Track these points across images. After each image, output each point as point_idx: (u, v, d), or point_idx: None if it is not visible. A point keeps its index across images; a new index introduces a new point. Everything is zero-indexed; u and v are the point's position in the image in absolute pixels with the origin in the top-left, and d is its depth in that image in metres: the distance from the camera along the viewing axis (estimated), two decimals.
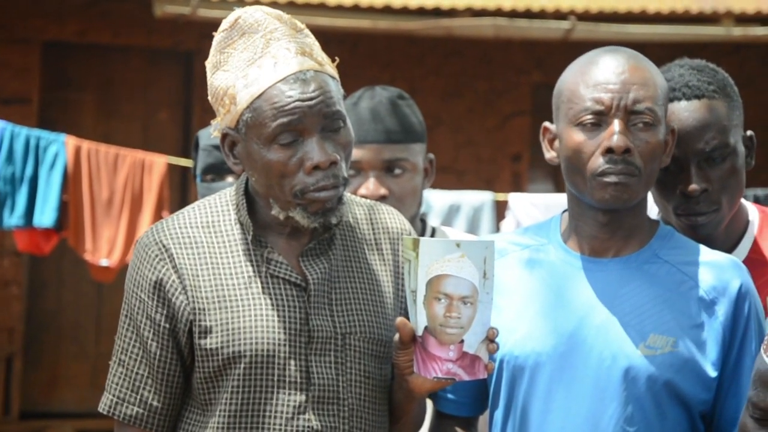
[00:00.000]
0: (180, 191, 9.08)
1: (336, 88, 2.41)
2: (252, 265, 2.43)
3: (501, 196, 6.72)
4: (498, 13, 8.64)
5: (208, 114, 9.88)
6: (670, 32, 8.96)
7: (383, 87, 3.21)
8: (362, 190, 3.07)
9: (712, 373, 2.44)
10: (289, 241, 2.46)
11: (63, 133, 6.82)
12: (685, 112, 2.64)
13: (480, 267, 2.27)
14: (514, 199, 6.53)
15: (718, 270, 2.48)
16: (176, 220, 2.49)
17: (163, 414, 2.46)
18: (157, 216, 6.72)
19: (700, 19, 9.26)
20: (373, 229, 2.54)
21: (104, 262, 6.72)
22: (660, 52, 9.61)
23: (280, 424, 2.40)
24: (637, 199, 2.47)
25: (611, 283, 2.48)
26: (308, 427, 2.40)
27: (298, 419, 2.40)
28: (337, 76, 2.44)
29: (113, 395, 2.47)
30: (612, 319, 2.45)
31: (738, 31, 9.11)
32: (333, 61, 2.46)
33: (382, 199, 3.06)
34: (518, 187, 9.24)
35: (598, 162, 2.43)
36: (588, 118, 2.44)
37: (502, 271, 2.52)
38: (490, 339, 2.29)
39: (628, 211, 2.49)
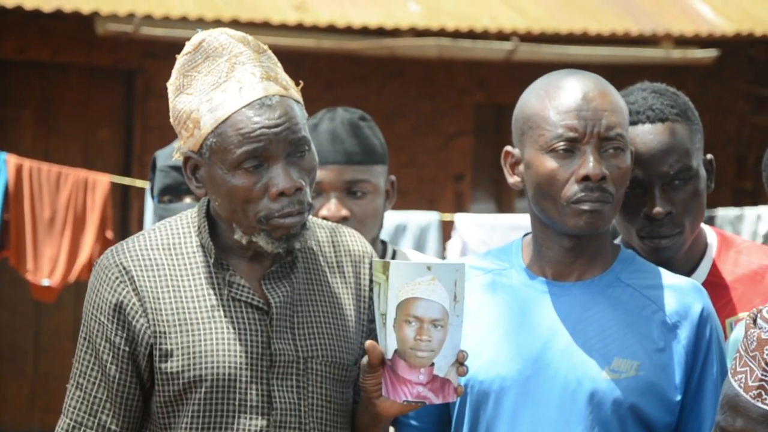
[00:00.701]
0: (121, 210, 9.01)
1: (301, 113, 2.40)
2: (213, 288, 2.42)
3: (447, 217, 6.74)
4: (441, 33, 8.69)
5: (150, 132, 9.90)
6: (611, 54, 9.05)
7: (344, 108, 3.21)
8: (323, 212, 3.06)
9: (676, 396, 2.45)
10: (251, 265, 2.45)
11: (3, 152, 6.74)
12: (650, 135, 2.65)
13: (450, 290, 2.27)
14: (460, 219, 6.56)
15: (680, 294, 2.49)
16: (137, 242, 2.46)
17: None
18: (101, 235, 6.66)
19: (640, 41, 9.38)
20: (335, 252, 2.53)
21: (46, 282, 6.65)
22: (601, 74, 9.72)
23: None
24: (609, 225, 2.48)
25: (575, 307, 2.48)
26: None
27: None
28: (301, 99, 2.43)
29: (70, 419, 2.44)
30: (576, 343, 2.45)
31: (677, 54, 9.22)
32: (297, 84, 2.45)
33: (343, 220, 3.05)
34: (461, 206, 9.28)
35: (572, 189, 2.43)
36: (561, 145, 2.43)
37: (465, 295, 2.52)
38: (460, 362, 2.29)
39: (594, 235, 2.50)
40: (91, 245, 6.62)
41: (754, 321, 2.08)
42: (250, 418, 2.38)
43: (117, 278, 2.41)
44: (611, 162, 2.45)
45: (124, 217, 8.91)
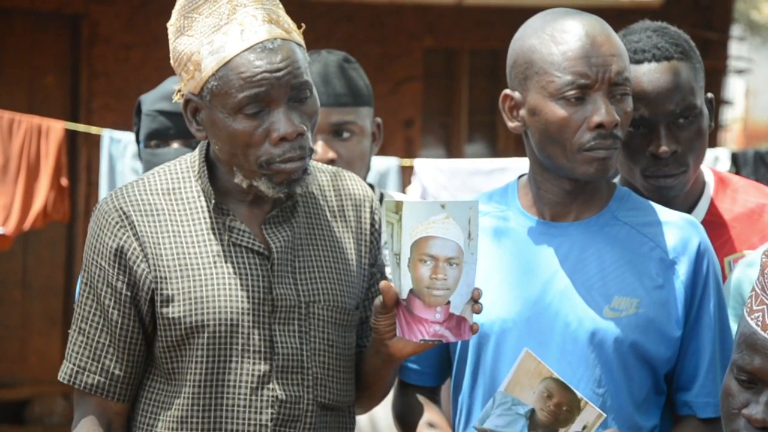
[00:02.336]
0: (69, 157, 8.89)
1: (303, 57, 2.37)
2: (214, 234, 2.40)
3: (406, 162, 6.72)
4: None
5: (96, 78, 9.73)
6: None
7: (329, 51, 3.18)
8: None
9: (676, 332, 2.47)
10: (251, 209, 2.43)
11: None
12: (656, 74, 2.64)
13: (465, 227, 2.26)
14: (419, 164, 6.55)
15: (677, 229, 2.50)
16: (136, 187, 2.43)
17: (125, 383, 2.41)
18: (55, 182, 6.57)
19: None
20: (336, 196, 2.52)
21: (0, 230, 6.55)
22: None
23: (245, 394, 2.37)
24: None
25: (573, 247, 2.48)
26: (273, 396, 2.37)
27: (262, 389, 2.37)
28: (303, 43, 2.40)
29: (73, 364, 2.42)
30: (576, 284, 2.46)
31: None
32: (299, 27, 2.42)
33: (330, 162, 3.04)
34: (411, 152, 9.26)
35: (585, 137, 2.42)
36: (572, 92, 2.42)
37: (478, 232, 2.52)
38: (475, 300, 2.29)
39: None
40: (45, 193, 6.53)
41: None
42: (253, 363, 2.37)
43: (117, 223, 2.39)
44: (619, 107, 2.45)
45: (72, 163, 8.79)
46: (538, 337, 2.45)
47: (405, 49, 9.66)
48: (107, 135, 6.64)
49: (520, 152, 9.23)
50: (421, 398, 2.62)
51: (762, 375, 2.05)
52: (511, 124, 2.53)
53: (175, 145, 3.24)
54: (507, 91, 2.53)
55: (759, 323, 2.06)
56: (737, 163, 6.72)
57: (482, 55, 9.98)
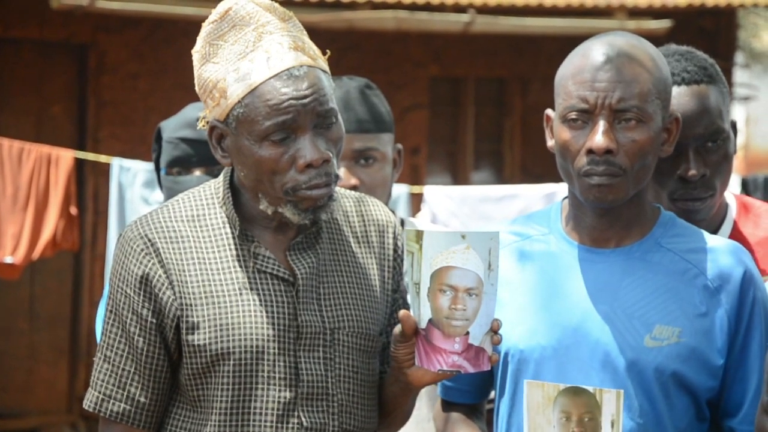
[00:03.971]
0: (76, 185, 8.90)
1: (328, 84, 2.38)
2: (239, 260, 2.39)
3: (416, 189, 6.73)
4: (398, 5, 8.66)
5: (103, 107, 9.77)
6: (566, 25, 9.08)
7: (350, 77, 3.18)
8: None
9: (718, 361, 2.44)
10: (275, 236, 2.42)
11: None
12: (685, 97, 2.64)
13: (485, 258, 2.25)
14: (429, 191, 6.55)
15: (722, 256, 2.48)
16: (161, 214, 2.43)
17: (150, 410, 2.41)
18: (65, 211, 6.58)
19: (595, 12, 9.42)
20: (360, 222, 2.51)
21: (9, 260, 6.55)
22: (555, 45, 9.75)
23: (271, 422, 2.36)
24: (626, 198, 2.45)
25: (614, 274, 2.46)
26: (298, 424, 2.37)
27: (288, 417, 2.36)
28: (328, 69, 2.41)
29: (99, 392, 2.42)
30: (616, 311, 2.44)
31: (631, 25, 9.27)
32: (324, 54, 2.43)
33: (353, 188, 3.04)
34: (417, 180, 9.27)
35: (582, 161, 2.42)
36: (573, 115, 2.42)
37: (504, 262, 2.50)
38: (494, 330, 2.28)
39: (626, 202, 2.48)
40: (54, 222, 6.54)
41: None
42: (279, 391, 2.36)
43: (142, 250, 2.39)
44: (626, 134, 2.41)
45: (79, 192, 8.80)
46: (577, 364, 2.43)
47: (411, 77, 9.69)
48: (117, 163, 6.65)
49: (526, 180, 9.24)
50: (462, 415, 2.62)
51: None
52: (549, 143, 2.52)
53: (197, 172, 3.25)
54: (548, 111, 2.54)
55: None
56: (747, 188, 6.72)
57: (488, 83, 10.01)
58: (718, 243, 2.51)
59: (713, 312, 2.44)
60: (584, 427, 2.30)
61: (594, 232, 2.50)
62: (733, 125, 2.77)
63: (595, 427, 2.29)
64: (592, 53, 2.45)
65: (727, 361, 2.46)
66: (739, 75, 15.33)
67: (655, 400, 2.42)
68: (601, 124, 2.40)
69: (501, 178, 9.92)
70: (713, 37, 10.16)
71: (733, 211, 2.79)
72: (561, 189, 6.53)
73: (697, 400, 2.46)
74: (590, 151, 2.40)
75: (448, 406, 2.66)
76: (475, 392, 2.63)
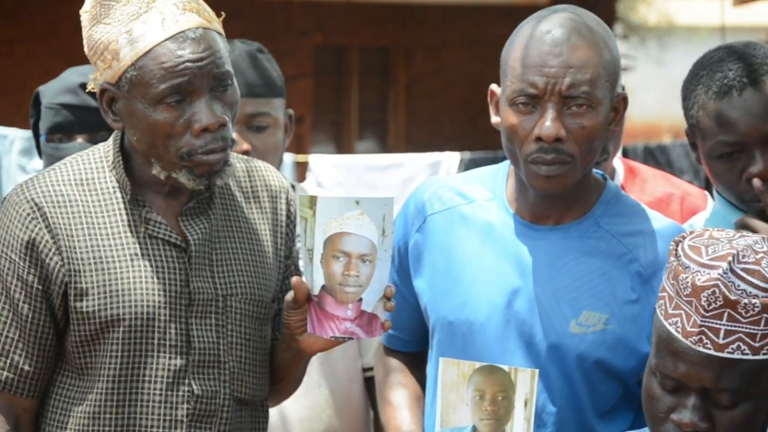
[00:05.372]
0: None
1: (224, 46, 2.35)
2: (130, 226, 2.36)
3: (301, 158, 6.71)
4: None
5: None
6: None
7: (241, 40, 3.14)
8: None
9: (647, 347, 2.40)
10: (167, 201, 2.39)
11: None
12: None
13: (379, 224, 2.24)
14: (314, 160, 6.54)
15: (660, 241, 2.45)
16: (48, 177, 2.38)
17: (34, 378, 2.36)
18: None
19: None
20: (252, 187, 2.49)
21: None
22: (439, 15, 9.80)
23: (161, 390, 2.34)
24: (573, 184, 2.41)
25: (549, 254, 2.43)
26: (189, 391, 2.35)
27: (178, 384, 2.34)
28: (223, 32, 2.37)
29: None
30: (546, 293, 2.42)
31: None
32: (218, 16, 2.39)
33: (245, 153, 3.00)
34: (301, 149, 9.25)
35: (530, 148, 2.37)
36: (522, 99, 2.37)
37: (444, 225, 2.48)
38: (387, 297, 2.27)
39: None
40: None
41: (675, 251, 2.12)
42: (169, 358, 2.34)
43: (28, 215, 2.34)
44: (575, 120, 2.36)
45: None
46: (503, 344, 2.42)
47: (295, 46, 9.65)
48: None
49: (410, 149, 9.27)
50: (404, 363, 2.61)
51: (688, 380, 2.05)
52: (493, 119, 2.47)
53: (80, 139, 3.17)
54: (493, 86, 2.49)
55: (679, 330, 2.06)
56: (627, 156, 6.82)
57: (372, 52, 10.01)
58: (657, 225, 2.47)
59: (645, 299, 2.42)
60: (497, 405, 2.30)
61: (535, 208, 2.46)
62: (623, 90, 2.79)
63: (508, 406, 2.30)
64: (542, 35, 2.38)
65: None
66: (618, 46, 15.52)
67: (576, 384, 2.41)
68: (551, 111, 2.35)
69: (385, 147, 9.94)
70: (592, 9, 10.26)
71: (620, 176, 2.83)
72: (445, 158, 6.56)
73: (625, 383, 2.45)
74: (539, 139, 2.36)
75: (390, 352, 2.65)
76: (416, 342, 2.62)
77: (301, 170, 6.88)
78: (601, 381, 2.42)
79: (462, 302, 2.44)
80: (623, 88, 2.78)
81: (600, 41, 2.39)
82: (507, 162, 2.54)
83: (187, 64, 2.28)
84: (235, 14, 9.66)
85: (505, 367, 2.30)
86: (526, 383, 2.29)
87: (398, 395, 2.57)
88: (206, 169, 2.32)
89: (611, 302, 2.41)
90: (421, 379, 2.62)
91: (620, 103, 2.45)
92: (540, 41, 2.37)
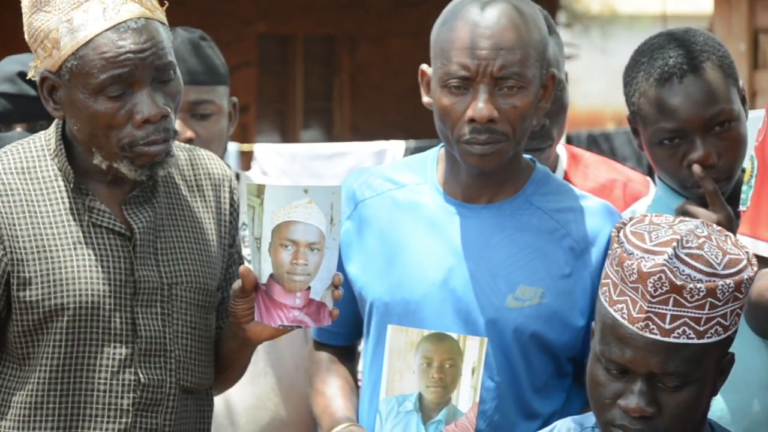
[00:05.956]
0: None
1: (167, 36, 2.34)
2: (73, 214, 2.34)
3: (245, 147, 6.69)
4: None
5: None
6: None
7: (184, 28, 3.13)
8: None
9: (580, 322, 2.46)
10: (110, 189, 2.38)
11: None
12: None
13: (327, 213, 2.24)
14: (259, 149, 6.53)
15: (591, 217, 2.49)
16: None
17: None
18: None
19: None
20: (195, 176, 2.48)
21: None
22: (383, 3, 9.80)
23: (105, 378, 2.33)
24: (506, 161, 2.45)
25: (483, 232, 2.46)
26: (134, 380, 2.34)
27: (123, 373, 2.33)
28: (166, 21, 2.36)
29: None
30: (482, 269, 2.44)
31: None
32: (162, 5, 2.38)
33: (188, 141, 3.00)
34: (246, 139, 9.22)
35: (463, 129, 2.40)
36: (453, 82, 2.40)
37: (376, 210, 2.50)
38: (336, 285, 2.27)
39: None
40: None
41: (618, 237, 2.13)
42: (114, 347, 2.33)
43: None
44: (507, 101, 2.41)
45: None
46: (440, 320, 2.43)
47: (239, 34, 9.62)
48: None
49: (356, 138, 9.27)
50: (334, 356, 2.62)
51: (634, 366, 2.08)
52: (425, 99, 2.50)
53: (19, 128, 3.14)
54: (423, 66, 2.51)
55: (624, 316, 2.08)
56: (571, 143, 6.87)
57: (317, 41, 10.00)
58: (587, 203, 2.52)
59: (577, 273, 2.46)
60: (444, 373, 2.32)
61: (468, 189, 2.49)
62: (565, 76, 2.82)
63: (455, 374, 2.32)
64: (472, 17, 2.41)
65: (589, 322, 2.46)
66: (561, 34, 15.62)
67: (514, 359, 2.44)
68: (483, 93, 2.39)
69: (331, 136, 9.93)
70: None
71: (564, 162, 2.85)
72: (390, 147, 6.58)
73: (557, 358, 2.49)
74: (472, 120, 2.39)
75: (320, 346, 2.65)
76: (347, 334, 2.62)
77: (246, 159, 6.86)
78: (536, 355, 2.45)
79: (397, 282, 2.46)
80: (566, 76, 2.81)
81: (529, 21, 2.44)
82: (435, 149, 2.57)
83: (129, 54, 2.27)
84: (178, 3, 9.60)
85: (454, 335, 2.32)
86: (475, 351, 2.31)
87: (331, 385, 2.59)
88: (148, 160, 2.31)
89: (546, 277, 2.45)
90: (352, 373, 2.63)
91: (549, 80, 2.50)
92: (470, 23, 2.40)
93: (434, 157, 2.56)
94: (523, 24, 2.43)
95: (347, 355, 2.65)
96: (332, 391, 2.57)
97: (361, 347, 2.67)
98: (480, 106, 2.38)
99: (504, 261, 2.45)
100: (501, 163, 2.44)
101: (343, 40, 10.13)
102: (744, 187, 2.38)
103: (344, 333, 2.62)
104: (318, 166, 6.30)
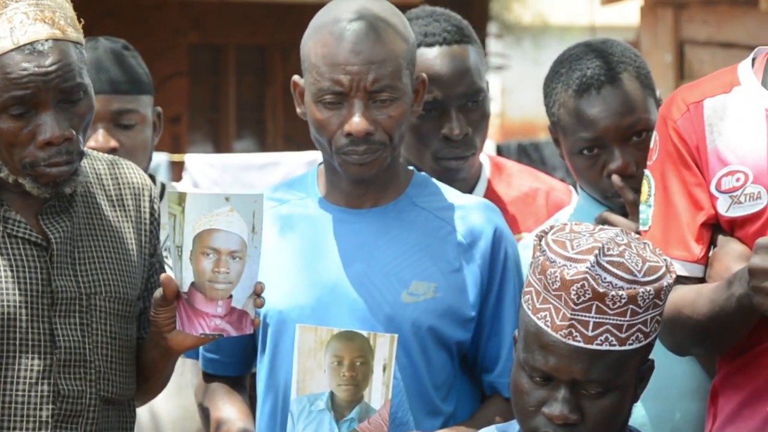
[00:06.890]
0: None
1: (78, 57, 2.31)
2: None
3: (176, 157, 6.65)
4: None
5: None
6: None
7: (107, 38, 3.11)
8: (91, 143, 2.96)
9: (470, 314, 2.50)
10: (26, 199, 2.36)
11: None
12: (446, 57, 2.70)
13: (249, 221, 2.24)
14: (190, 159, 6.49)
15: (473, 213, 2.53)
16: None
17: None
18: None
19: None
20: (114, 185, 2.47)
21: None
22: (314, 12, 9.78)
23: (23, 390, 2.30)
24: (385, 166, 2.49)
25: (370, 234, 2.50)
26: (54, 391, 2.32)
27: (42, 384, 2.31)
28: (82, 40, 2.34)
29: None
30: (373, 269, 2.47)
31: None
32: (79, 21, 2.36)
33: (112, 151, 2.97)
34: (178, 149, 9.18)
35: (341, 141, 2.43)
36: (327, 98, 2.43)
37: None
38: (257, 293, 2.27)
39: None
40: None
41: (539, 245, 2.14)
42: (32, 358, 2.31)
43: None
44: (382, 111, 2.44)
45: None
46: (337, 322, 2.44)
47: (170, 44, 9.58)
48: None
49: (289, 148, 9.26)
50: (224, 388, 2.60)
51: (558, 373, 2.10)
52: (299, 110, 2.53)
53: None
54: (295, 77, 2.53)
55: (548, 324, 2.10)
56: (501, 154, 6.90)
57: (249, 51, 9.98)
58: (468, 201, 2.57)
59: (466, 267, 2.50)
60: (356, 371, 2.33)
61: (350, 196, 2.53)
62: (486, 85, 2.84)
63: (366, 372, 2.32)
64: (341, 31, 2.43)
65: (482, 317, 2.52)
66: (493, 45, 15.72)
67: (413, 355, 2.47)
68: (358, 107, 2.42)
69: (264, 146, 9.91)
70: (466, 8, 10.36)
71: (487, 171, 2.87)
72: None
73: (452, 355, 2.51)
74: (349, 134, 2.42)
75: (209, 378, 2.64)
76: (237, 364, 2.63)
77: (177, 170, 6.82)
78: (434, 351, 2.48)
79: (289, 290, 2.48)
80: (487, 85, 2.84)
81: (398, 31, 2.47)
82: (315, 167, 2.60)
83: (32, 77, 2.25)
84: (108, 13, 9.57)
85: (364, 333, 2.34)
86: (385, 348, 2.33)
87: (225, 404, 2.58)
88: (50, 180, 2.30)
89: (437, 272, 2.48)
90: (246, 402, 2.62)
91: (420, 85, 2.53)
92: (340, 38, 2.43)
93: (314, 173, 2.59)
94: (392, 34, 2.46)
95: (237, 386, 2.64)
96: (227, 408, 2.56)
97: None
98: (356, 120, 2.41)
99: (395, 260, 2.48)
100: (381, 169, 2.47)
101: (276, 49, 10.12)
102: (642, 207, 2.40)
103: (233, 363, 2.62)
104: (250, 177, 6.28)
